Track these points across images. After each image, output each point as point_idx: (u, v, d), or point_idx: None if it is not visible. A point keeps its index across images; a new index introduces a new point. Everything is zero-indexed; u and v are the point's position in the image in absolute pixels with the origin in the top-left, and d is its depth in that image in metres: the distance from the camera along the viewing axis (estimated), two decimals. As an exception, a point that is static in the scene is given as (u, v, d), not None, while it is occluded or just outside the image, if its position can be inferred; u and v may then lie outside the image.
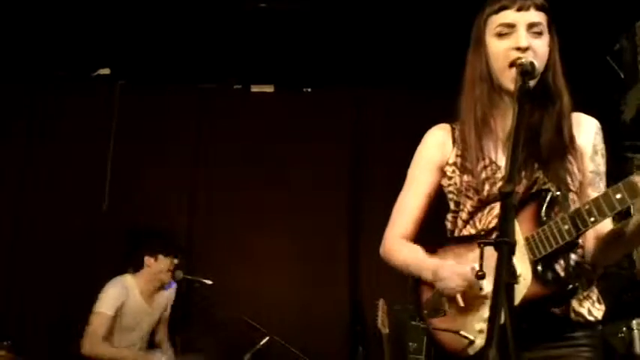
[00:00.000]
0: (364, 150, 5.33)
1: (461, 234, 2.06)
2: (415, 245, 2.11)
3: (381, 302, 4.27)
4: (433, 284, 1.98)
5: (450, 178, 2.08)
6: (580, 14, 4.13)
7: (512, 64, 1.89)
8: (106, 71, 5.44)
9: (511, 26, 1.93)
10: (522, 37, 1.90)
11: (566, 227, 1.76)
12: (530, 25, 1.93)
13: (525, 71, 1.81)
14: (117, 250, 5.07)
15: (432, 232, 2.16)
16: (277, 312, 4.85)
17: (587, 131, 2.03)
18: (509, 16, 1.94)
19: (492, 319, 1.30)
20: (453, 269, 1.91)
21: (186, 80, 5.40)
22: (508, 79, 1.91)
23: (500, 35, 1.95)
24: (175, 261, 4.36)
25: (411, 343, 3.81)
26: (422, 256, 2.06)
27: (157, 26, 4.83)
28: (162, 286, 4.38)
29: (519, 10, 1.93)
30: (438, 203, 2.16)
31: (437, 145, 2.13)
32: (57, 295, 5.00)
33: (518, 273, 1.78)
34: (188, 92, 5.45)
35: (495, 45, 1.96)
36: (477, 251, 1.60)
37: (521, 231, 1.84)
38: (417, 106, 5.00)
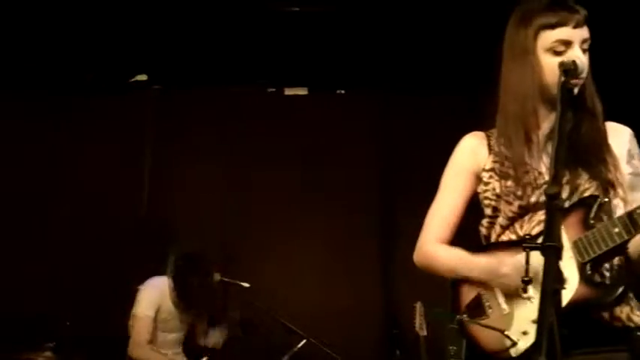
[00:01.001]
0: (397, 152, 5.31)
1: (500, 239, 2.05)
2: (455, 248, 2.10)
3: (418, 305, 4.25)
4: (479, 283, 1.98)
5: (487, 183, 2.07)
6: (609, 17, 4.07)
7: None
8: (142, 77, 5.52)
9: (567, 43, 1.93)
10: (581, 56, 1.90)
11: (617, 230, 1.75)
12: (583, 41, 1.94)
13: (568, 70, 1.79)
14: (154, 252, 5.15)
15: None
16: (312, 315, 4.84)
17: (620, 139, 2.03)
18: (566, 33, 1.93)
19: (540, 326, 1.29)
20: (514, 265, 1.89)
21: (220, 84, 5.44)
22: None
23: (556, 52, 1.94)
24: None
25: (450, 347, 3.77)
26: (469, 255, 2.05)
27: (191, 31, 4.88)
28: None
29: (575, 27, 1.93)
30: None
31: (471, 152, 2.12)
32: (97, 297, 5.08)
33: (564, 277, 1.77)
34: (222, 96, 5.49)
35: (551, 61, 1.93)
36: (518, 256, 1.57)
37: (567, 236, 1.82)
38: (447, 109, 4.98)
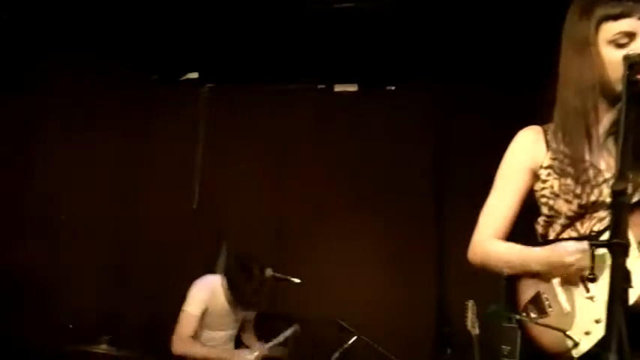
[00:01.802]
0: (449, 148, 5.24)
1: (560, 238, 2.00)
2: (509, 242, 2.06)
3: (470, 303, 4.19)
4: (539, 280, 1.94)
5: (545, 181, 2.02)
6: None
7: None
8: (193, 75, 5.60)
9: (631, 35, 1.88)
10: None
11: None
12: None
13: (633, 64, 1.74)
14: (206, 247, 5.23)
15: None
16: (363, 311, 4.83)
17: None
18: (630, 24, 1.88)
19: (609, 325, 1.26)
20: (577, 249, 1.85)
21: (271, 81, 5.47)
22: None
23: (618, 44, 1.89)
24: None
25: (504, 346, 3.70)
26: (527, 248, 2.00)
27: (240, 29, 4.90)
28: None
29: None
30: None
31: (528, 148, 2.07)
32: (151, 291, 5.19)
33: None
34: (272, 93, 5.52)
35: (613, 54, 1.89)
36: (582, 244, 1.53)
37: (632, 234, 1.77)
38: (502, 103, 4.89)
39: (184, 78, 5.61)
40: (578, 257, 1.85)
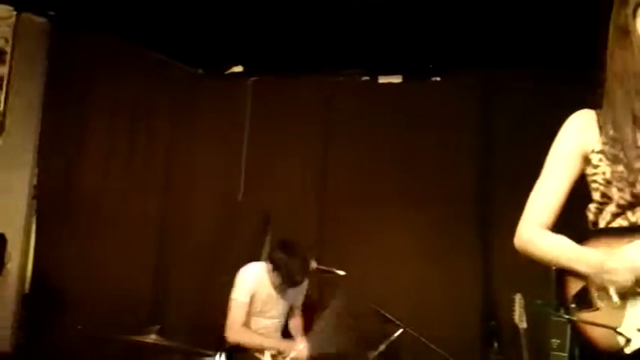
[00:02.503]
0: (495, 138, 5.15)
1: (609, 226, 1.94)
2: (559, 235, 2.02)
3: (517, 297, 4.14)
4: (586, 276, 1.88)
5: (597, 167, 1.96)
6: None
7: None
8: (238, 69, 5.65)
9: None
10: None
11: None
12: None
13: None
14: (251, 238, 5.28)
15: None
16: (408, 304, 4.81)
17: None
18: None
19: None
20: (621, 262, 1.81)
21: (314, 73, 5.47)
22: None
23: None
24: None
25: (553, 340, 3.66)
26: (573, 244, 1.94)
27: (285, 21, 4.90)
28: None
29: None
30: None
31: (580, 132, 2.01)
32: (198, 282, 5.27)
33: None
34: (316, 85, 5.53)
35: None
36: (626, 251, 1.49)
37: None
38: (548, 89, 4.80)
39: (229, 72, 5.67)
40: (615, 267, 1.81)
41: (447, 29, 4.82)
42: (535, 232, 2.03)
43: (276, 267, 4.24)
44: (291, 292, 4.47)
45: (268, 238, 5.32)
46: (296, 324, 4.63)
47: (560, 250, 1.97)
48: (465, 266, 4.94)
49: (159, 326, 3.31)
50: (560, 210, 2.04)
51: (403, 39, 4.99)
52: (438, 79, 5.39)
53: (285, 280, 4.25)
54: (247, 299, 4.26)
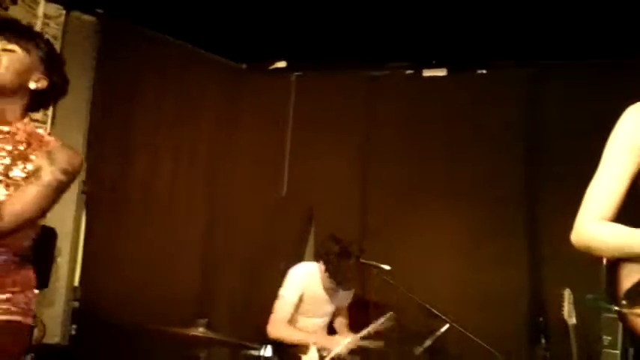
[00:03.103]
0: (543, 132, 5.07)
1: None
2: (622, 225, 1.97)
3: (567, 292, 4.06)
4: None
5: None
6: None
7: None
8: (282, 64, 5.67)
9: None
10: None
11: None
12: None
13: None
14: (295, 234, 5.30)
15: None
16: (454, 299, 4.77)
17: None
18: None
19: None
20: None
21: (358, 68, 5.45)
22: None
23: None
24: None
25: (604, 337, 3.58)
26: (636, 230, 1.91)
27: (328, 16, 4.90)
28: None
29: None
30: None
31: (638, 125, 1.98)
32: (242, 277, 5.32)
33: None
34: (360, 80, 5.51)
35: None
36: None
37: None
38: (598, 82, 4.69)
39: (273, 67, 5.69)
40: None
41: (493, 20, 4.74)
42: (594, 225, 2.00)
43: (331, 273, 4.24)
44: (340, 294, 4.48)
45: (312, 234, 5.34)
46: (341, 321, 4.64)
47: (625, 236, 1.93)
48: (513, 261, 4.87)
49: (206, 319, 3.34)
50: (621, 203, 2.00)
51: (448, 31, 4.93)
52: (484, 71, 5.31)
53: (338, 284, 4.26)
54: (295, 298, 4.28)
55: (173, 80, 5.32)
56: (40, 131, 2.29)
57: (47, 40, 2.32)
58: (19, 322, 2.16)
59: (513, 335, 4.72)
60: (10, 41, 2.14)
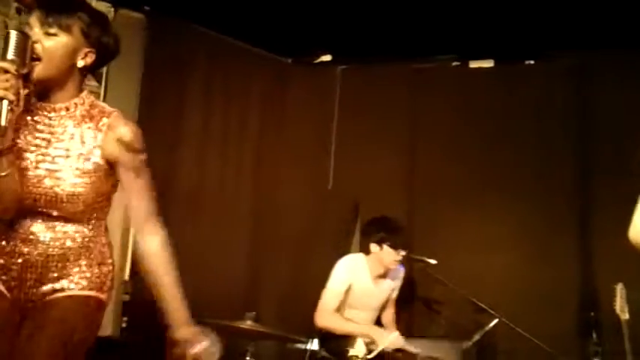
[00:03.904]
0: (594, 123, 4.95)
1: None
2: None
3: (619, 286, 3.97)
4: None
5: None
6: None
7: None
8: (327, 57, 5.67)
9: None
10: None
11: None
12: None
13: None
14: (341, 227, 5.30)
15: None
16: (502, 293, 4.70)
17: None
18: None
19: None
20: None
21: (404, 60, 5.40)
22: None
23: None
24: (402, 253, 4.36)
25: (659, 333, 3.50)
26: None
27: (373, 8, 4.87)
28: (388, 273, 4.44)
29: None
30: None
31: None
32: (289, 270, 5.34)
33: None
34: (405, 72, 5.47)
35: None
36: None
37: None
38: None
39: (318, 61, 5.69)
40: None
41: (541, 9, 4.64)
42: None
43: (378, 241, 4.28)
44: (386, 282, 4.47)
45: (358, 227, 5.33)
46: (389, 315, 4.63)
47: None
48: (563, 255, 4.79)
49: (254, 313, 3.37)
50: None
51: (495, 21, 4.85)
52: (532, 62, 5.22)
53: (394, 247, 4.24)
54: (342, 288, 4.29)
55: (219, 75, 5.36)
56: (101, 103, 2.31)
57: (87, 6, 2.26)
58: (95, 297, 2.25)
59: (564, 330, 4.64)
60: (50, 24, 2.09)
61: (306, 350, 4.18)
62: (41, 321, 2.11)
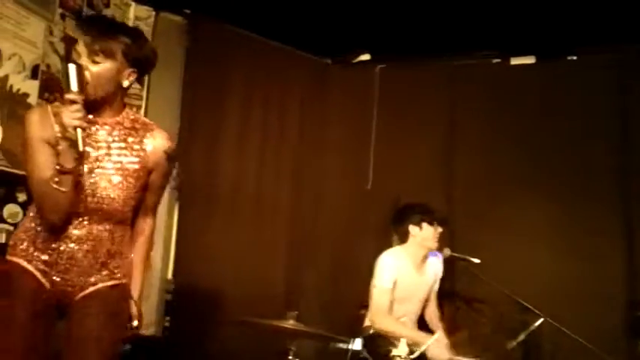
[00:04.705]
0: (635, 119, 4.82)
1: None
2: None
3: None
4: None
5: None
6: None
7: None
8: (366, 57, 5.66)
9: None
10: None
11: None
12: None
13: None
14: (381, 225, 5.28)
15: None
16: (546, 292, 4.63)
17: None
18: None
19: None
20: None
21: (443, 58, 5.36)
22: None
23: None
24: (439, 229, 4.41)
25: None
26: None
27: (410, 6, 4.84)
28: (429, 254, 4.43)
29: None
30: None
31: None
32: (330, 270, 5.36)
33: None
34: (445, 70, 5.42)
35: None
36: None
37: None
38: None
39: (357, 60, 5.69)
40: None
41: (582, 3, 4.56)
42: None
43: (416, 222, 4.33)
44: (429, 268, 4.45)
45: (401, 223, 5.30)
46: (431, 312, 4.61)
47: None
48: (608, 254, 4.69)
49: (296, 312, 3.38)
50: None
51: (536, 16, 4.78)
52: (575, 58, 5.13)
53: (431, 221, 4.27)
54: (390, 285, 4.28)
55: (259, 76, 5.40)
56: (142, 117, 2.74)
57: (124, 26, 2.60)
58: (126, 285, 2.63)
59: (610, 330, 4.55)
60: (96, 52, 2.39)
61: (347, 350, 4.18)
62: (89, 308, 2.47)
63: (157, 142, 2.59)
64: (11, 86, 4.07)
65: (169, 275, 5.07)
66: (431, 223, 4.40)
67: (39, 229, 2.48)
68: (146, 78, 5.00)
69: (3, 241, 3.72)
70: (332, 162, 5.55)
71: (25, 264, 2.47)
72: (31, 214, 2.53)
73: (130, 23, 4.93)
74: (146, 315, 4.58)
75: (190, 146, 5.08)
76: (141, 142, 2.55)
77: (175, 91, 5.11)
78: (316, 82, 5.67)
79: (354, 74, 5.67)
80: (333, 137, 5.60)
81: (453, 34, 5.09)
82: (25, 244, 2.49)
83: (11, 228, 3.78)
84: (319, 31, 5.28)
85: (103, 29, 2.46)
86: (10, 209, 3.45)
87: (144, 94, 5.01)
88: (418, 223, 4.41)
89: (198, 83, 5.11)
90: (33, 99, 4.14)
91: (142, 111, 4.99)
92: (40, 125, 2.40)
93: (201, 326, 4.82)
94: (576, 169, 4.90)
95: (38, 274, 2.46)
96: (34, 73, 4.12)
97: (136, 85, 4.94)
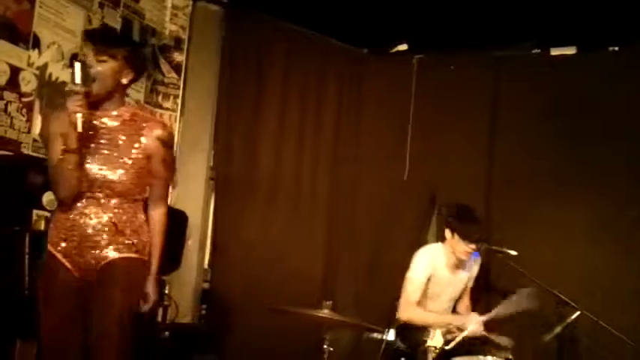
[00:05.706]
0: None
1: None
2: None
3: None
4: None
5: None
6: None
7: None
8: (403, 47, 5.62)
9: None
10: None
11: None
12: None
13: None
14: (417, 218, 5.27)
15: None
16: (583, 286, 4.56)
17: None
18: None
19: None
20: None
21: (482, 48, 5.29)
22: None
23: None
24: (471, 246, 4.25)
25: None
26: None
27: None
28: (462, 262, 4.38)
29: None
30: None
31: None
32: (365, 260, 5.36)
33: None
34: (484, 60, 5.36)
35: None
36: None
37: None
38: None
39: (394, 50, 5.65)
40: None
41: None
42: None
43: (451, 228, 4.25)
44: (463, 271, 4.43)
45: (434, 219, 5.28)
46: (464, 304, 4.59)
47: None
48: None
49: (331, 301, 3.39)
50: None
51: (577, 5, 4.69)
52: (617, 48, 5.02)
53: (465, 236, 4.19)
54: (424, 279, 4.27)
55: (296, 67, 5.41)
56: (141, 112, 3.15)
57: (126, 38, 3.34)
58: (140, 259, 2.92)
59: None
60: (101, 52, 2.84)
61: (382, 340, 4.18)
62: (106, 278, 2.81)
63: (152, 130, 2.94)
64: (50, 74, 4.15)
65: (206, 264, 5.12)
66: (462, 237, 4.23)
67: (60, 215, 2.88)
68: (183, 68, 5.05)
69: (42, 228, 3.78)
70: (369, 153, 5.54)
71: (52, 250, 2.87)
72: (56, 203, 2.96)
73: (168, 13, 4.98)
74: (183, 304, 4.70)
75: (227, 136, 5.11)
76: (139, 130, 2.92)
77: (212, 80, 5.14)
78: (353, 73, 5.66)
79: (392, 64, 5.64)
80: (370, 127, 5.59)
81: (492, 24, 5.01)
82: (53, 232, 2.90)
83: (49, 215, 3.86)
84: (357, 21, 5.26)
85: (109, 38, 3.07)
86: (48, 196, 3.53)
87: (181, 83, 5.05)
88: (452, 231, 4.30)
89: (236, 73, 5.13)
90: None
91: (179, 100, 5.04)
92: (58, 121, 2.84)
93: (236, 315, 4.87)
94: (619, 164, 4.80)
95: (63, 260, 2.85)
96: (72, 61, 4.19)
97: (174, 75, 5.01)
